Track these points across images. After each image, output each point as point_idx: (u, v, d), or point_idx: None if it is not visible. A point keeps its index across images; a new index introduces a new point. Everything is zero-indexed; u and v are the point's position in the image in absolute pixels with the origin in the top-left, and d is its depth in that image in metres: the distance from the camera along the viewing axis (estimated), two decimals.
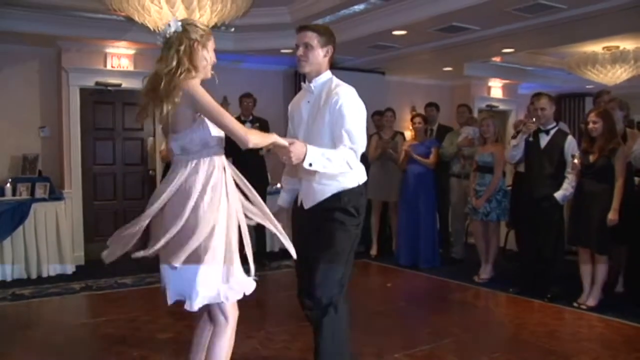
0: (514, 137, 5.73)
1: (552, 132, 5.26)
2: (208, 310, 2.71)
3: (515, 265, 6.00)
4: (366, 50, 7.56)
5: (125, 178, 7.59)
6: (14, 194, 6.38)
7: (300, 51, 3.00)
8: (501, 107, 10.77)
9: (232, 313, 2.67)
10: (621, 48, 7.82)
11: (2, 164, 6.79)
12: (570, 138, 5.21)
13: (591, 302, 4.93)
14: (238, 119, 6.67)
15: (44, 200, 6.37)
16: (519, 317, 4.82)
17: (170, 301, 2.63)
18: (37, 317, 5.03)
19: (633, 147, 5.14)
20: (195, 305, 2.53)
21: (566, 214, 5.38)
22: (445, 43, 7.10)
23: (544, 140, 5.26)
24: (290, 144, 2.64)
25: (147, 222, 2.60)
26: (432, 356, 3.83)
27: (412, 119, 6.92)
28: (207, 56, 2.63)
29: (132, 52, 7.25)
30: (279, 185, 7.39)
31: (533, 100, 5.76)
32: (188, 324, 4.72)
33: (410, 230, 6.74)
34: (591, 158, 4.85)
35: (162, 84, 2.50)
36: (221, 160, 2.66)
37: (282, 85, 8.77)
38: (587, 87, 10.33)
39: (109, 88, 7.21)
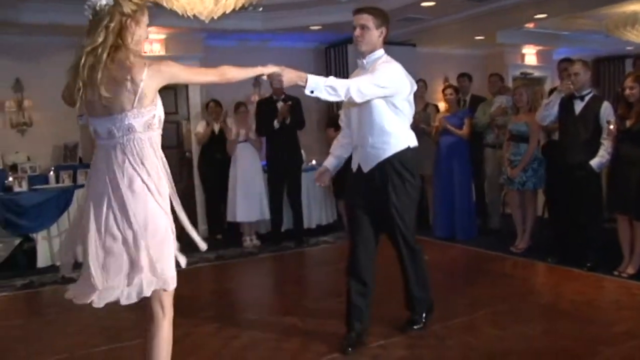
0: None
1: (587, 98, 5.15)
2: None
3: (551, 234, 5.96)
4: (396, 23, 7.47)
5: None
6: (57, 181, 6.61)
7: (357, 32, 3.37)
8: (536, 74, 10.58)
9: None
10: None
11: (45, 153, 7.04)
12: (606, 103, 5.09)
13: (631, 269, 4.88)
14: (270, 98, 6.76)
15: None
16: (556, 286, 4.81)
17: None
18: None
19: None
20: None
21: (604, 181, 5.29)
22: (476, 12, 7.02)
23: (578, 106, 5.16)
24: (282, 69, 2.87)
25: None
26: (470, 327, 3.86)
27: (443, 90, 6.87)
28: (140, 33, 2.48)
29: (162, 36, 7.36)
30: (314, 162, 7.46)
31: (565, 65, 5.67)
32: (229, 301, 4.90)
33: (446, 202, 6.73)
34: (628, 123, 4.76)
35: (85, 62, 2.35)
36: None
37: (313, 63, 8.79)
38: (628, 48, 10.03)
39: None
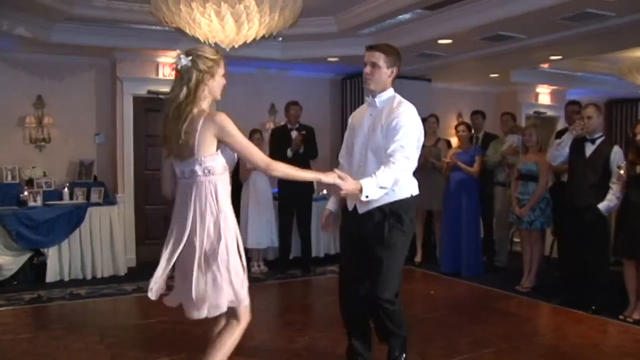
0: (558, 136, 5.76)
1: (598, 141, 5.21)
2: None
3: (558, 275, 5.97)
4: (413, 59, 7.61)
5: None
6: (71, 198, 6.72)
7: (368, 69, 3.28)
8: (549, 113, 10.62)
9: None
10: None
11: (60, 169, 7.15)
12: (616, 148, 5.15)
13: (637, 315, 4.87)
14: (284, 126, 6.85)
15: (98, 204, 6.67)
16: (560, 328, 4.81)
17: None
18: (92, 316, 5.29)
19: None
20: None
21: (612, 225, 5.31)
22: (491, 51, 7.10)
23: (589, 149, 5.22)
24: (343, 178, 2.87)
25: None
26: None
27: (456, 127, 6.95)
28: (213, 84, 2.78)
29: None
30: (325, 191, 7.52)
31: (573, 108, 5.77)
32: None
33: (453, 238, 6.77)
34: (638, 169, 4.80)
35: (171, 112, 2.72)
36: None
37: (329, 93, 8.93)
38: None
39: (161, 96, 7.46)
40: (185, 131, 2.66)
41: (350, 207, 3.37)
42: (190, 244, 2.74)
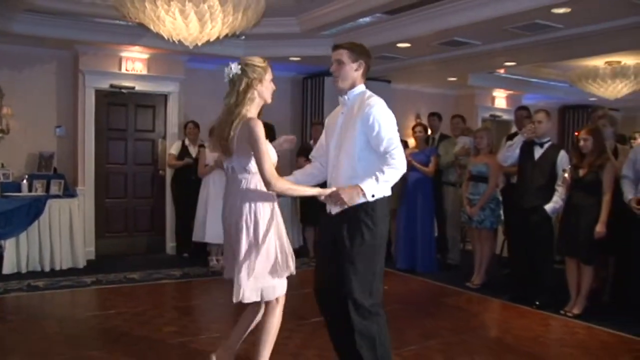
0: (509, 140, 6.04)
1: (546, 145, 5.48)
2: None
3: (507, 273, 6.25)
4: (373, 60, 7.77)
5: (136, 177, 7.87)
6: (30, 190, 6.69)
7: (333, 67, 3.28)
8: (505, 117, 10.96)
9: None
10: (622, 63, 8.01)
11: (19, 161, 7.11)
12: (562, 152, 5.42)
13: (577, 310, 5.15)
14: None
15: (58, 196, 6.67)
16: (506, 322, 5.07)
17: None
18: (50, 308, 5.33)
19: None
20: None
21: (556, 226, 5.59)
22: (448, 55, 7.33)
23: (537, 152, 5.49)
24: (338, 189, 3.05)
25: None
26: (419, 356, 4.07)
27: (413, 128, 7.16)
28: (261, 89, 3.17)
29: (145, 56, 7.54)
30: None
31: (522, 113, 6.05)
32: (193, 318, 5.03)
33: (408, 236, 6.98)
34: (581, 172, 5.09)
35: (227, 114, 3.12)
36: None
37: (290, 92, 9.08)
38: (591, 99, 10.49)
39: (123, 90, 7.50)
40: (231, 132, 3.05)
41: (328, 209, 3.30)
42: (237, 231, 3.10)
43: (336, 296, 3.17)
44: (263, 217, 3.12)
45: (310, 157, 3.64)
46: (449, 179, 7.16)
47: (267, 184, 3.00)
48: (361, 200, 3.04)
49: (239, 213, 3.11)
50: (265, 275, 3.14)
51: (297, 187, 3.17)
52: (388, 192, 3.20)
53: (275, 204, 3.22)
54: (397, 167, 3.08)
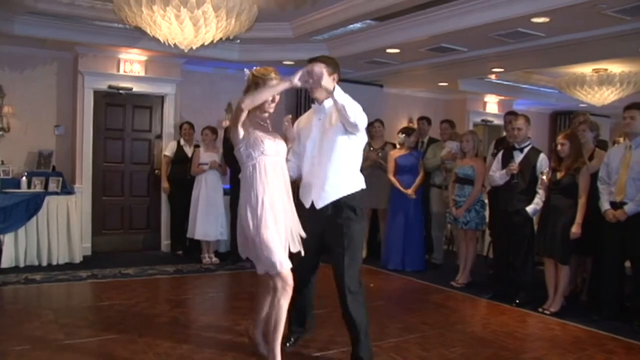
0: (494, 154, 6.24)
1: (525, 150, 5.69)
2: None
3: (492, 273, 6.44)
4: (364, 65, 8.02)
5: (133, 176, 8.07)
6: (29, 186, 6.90)
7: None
8: (496, 122, 11.15)
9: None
10: (609, 71, 8.22)
11: (19, 158, 7.32)
12: (542, 156, 5.62)
13: (554, 308, 5.34)
14: None
15: (56, 193, 6.87)
16: (485, 318, 5.26)
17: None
18: (46, 299, 5.53)
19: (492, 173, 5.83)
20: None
21: (536, 227, 5.79)
22: (438, 61, 7.55)
23: (518, 157, 5.69)
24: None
25: None
26: (398, 348, 4.27)
27: (398, 133, 7.33)
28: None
29: (143, 58, 7.75)
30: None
31: (510, 119, 6.23)
32: (183, 310, 5.22)
33: (398, 236, 7.17)
34: (558, 175, 5.29)
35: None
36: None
37: (284, 94, 9.19)
38: (581, 105, 10.68)
39: (121, 91, 7.71)
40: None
41: (307, 204, 3.66)
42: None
43: (311, 284, 3.89)
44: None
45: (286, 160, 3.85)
46: (434, 181, 7.37)
47: (241, 107, 3.31)
48: (329, 87, 3.32)
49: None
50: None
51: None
52: (363, 185, 3.69)
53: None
54: (358, 113, 3.41)
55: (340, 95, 3.32)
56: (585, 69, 8.24)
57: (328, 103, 3.59)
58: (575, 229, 5.13)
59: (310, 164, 3.69)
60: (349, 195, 3.61)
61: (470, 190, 6.28)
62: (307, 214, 3.65)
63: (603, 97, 8.66)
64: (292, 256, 3.52)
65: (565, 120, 12.37)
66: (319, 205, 3.61)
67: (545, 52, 6.68)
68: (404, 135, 7.13)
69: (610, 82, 8.36)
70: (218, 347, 4.12)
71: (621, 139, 6.52)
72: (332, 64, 3.58)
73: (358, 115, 3.40)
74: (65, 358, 3.81)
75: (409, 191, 6.95)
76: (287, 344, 3.97)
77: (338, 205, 3.60)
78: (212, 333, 4.46)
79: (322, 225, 3.62)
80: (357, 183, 3.69)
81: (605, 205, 5.17)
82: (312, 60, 3.56)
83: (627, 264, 5.25)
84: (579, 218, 5.15)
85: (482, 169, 6.29)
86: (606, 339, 4.66)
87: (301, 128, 3.80)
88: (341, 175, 3.61)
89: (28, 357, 3.79)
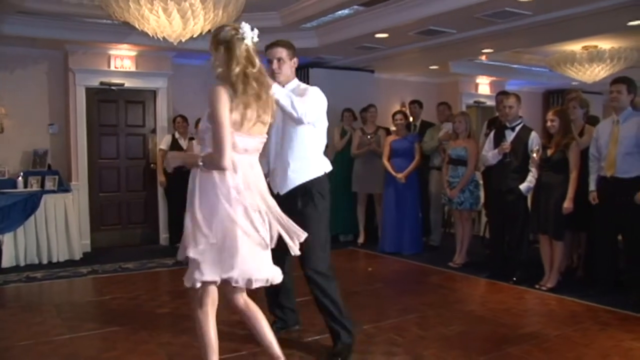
0: (486, 134, 6.28)
1: (517, 128, 5.73)
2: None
3: (489, 253, 6.51)
4: (354, 51, 8.03)
5: (128, 171, 8.10)
6: (25, 186, 6.93)
7: (275, 64, 3.64)
8: (488, 103, 11.15)
9: None
10: (599, 48, 8.24)
11: (14, 158, 7.34)
12: (533, 134, 5.65)
13: (550, 284, 5.41)
14: None
15: (53, 192, 6.91)
16: (482, 297, 5.34)
17: None
18: (48, 296, 5.59)
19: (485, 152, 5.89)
20: None
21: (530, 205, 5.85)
22: (427, 44, 7.55)
23: (509, 136, 5.73)
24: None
25: None
26: (397, 327, 4.33)
27: (393, 116, 7.36)
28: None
29: (133, 53, 7.76)
30: None
31: (501, 98, 6.27)
32: (184, 301, 5.27)
33: (394, 219, 7.22)
34: (549, 152, 5.34)
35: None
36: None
37: None
38: (573, 83, 10.70)
39: (113, 87, 7.73)
40: None
41: (274, 191, 3.62)
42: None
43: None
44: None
45: None
46: (433, 163, 7.42)
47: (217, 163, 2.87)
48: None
49: None
50: None
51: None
52: (328, 168, 3.74)
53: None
54: (300, 104, 3.40)
55: (279, 93, 3.29)
56: (575, 47, 8.25)
57: (288, 87, 3.61)
58: (567, 204, 5.19)
59: (275, 149, 3.71)
60: (313, 180, 3.64)
61: (464, 171, 6.34)
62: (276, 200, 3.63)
63: (594, 74, 8.67)
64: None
65: (557, 98, 12.39)
66: (283, 190, 3.65)
67: (534, 31, 6.68)
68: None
69: (601, 58, 8.37)
70: (219, 335, 4.17)
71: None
72: (291, 48, 3.68)
73: (300, 108, 3.38)
74: (69, 351, 3.87)
75: (400, 175, 7.00)
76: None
77: (303, 189, 3.63)
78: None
79: (288, 210, 3.39)
80: (321, 167, 3.70)
81: (591, 186, 5.23)
82: (273, 44, 3.66)
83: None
84: (570, 193, 5.20)
85: (475, 149, 6.34)
86: (601, 311, 4.73)
87: None
88: (303, 160, 3.63)
89: (33, 351, 3.85)
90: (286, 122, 3.58)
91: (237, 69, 2.80)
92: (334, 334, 3.74)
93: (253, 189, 2.85)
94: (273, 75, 3.55)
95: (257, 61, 2.87)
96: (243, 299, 3.01)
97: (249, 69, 2.82)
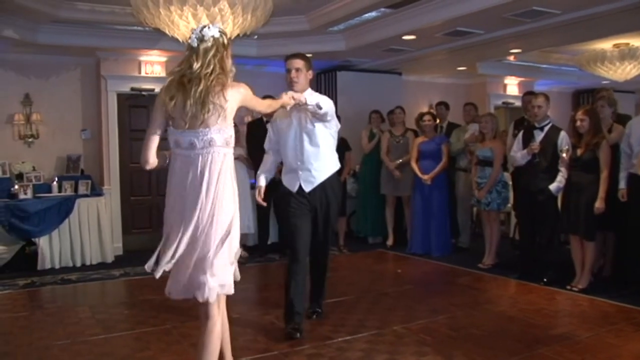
0: (514, 135, 6.24)
1: (546, 128, 5.69)
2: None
3: (519, 254, 6.45)
4: (381, 54, 8.04)
5: (159, 175, 8.20)
6: (59, 190, 7.08)
7: (294, 74, 4.08)
8: (517, 104, 11.00)
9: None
10: (630, 45, 8.12)
11: (49, 163, 7.52)
12: (562, 133, 5.60)
13: (581, 284, 5.36)
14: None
15: (86, 196, 7.05)
16: (512, 298, 5.30)
17: None
18: (82, 297, 5.73)
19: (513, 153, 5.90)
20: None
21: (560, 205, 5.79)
22: (454, 45, 7.53)
23: (539, 136, 5.69)
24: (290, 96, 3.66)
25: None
26: (427, 329, 4.33)
27: (421, 117, 7.36)
28: (230, 63, 2.90)
29: (163, 59, 7.89)
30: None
31: (529, 98, 6.23)
32: None
33: (423, 221, 7.22)
34: (579, 152, 5.29)
35: (201, 84, 2.72)
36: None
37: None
38: (604, 82, 10.54)
39: (143, 93, 7.86)
40: (211, 102, 2.75)
41: (294, 189, 4.21)
42: (212, 219, 2.80)
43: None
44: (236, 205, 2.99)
45: (265, 148, 4.48)
46: (460, 164, 7.39)
47: (264, 111, 3.68)
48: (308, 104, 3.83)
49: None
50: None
51: (275, 101, 3.55)
52: (338, 166, 4.35)
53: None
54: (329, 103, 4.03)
55: (309, 98, 3.86)
56: (606, 45, 8.14)
57: (305, 94, 3.93)
58: (599, 204, 5.13)
59: (293, 151, 4.18)
60: (330, 177, 4.24)
61: (491, 172, 6.31)
62: (296, 197, 4.21)
63: (625, 72, 8.55)
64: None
65: (587, 98, 12.20)
66: (308, 189, 4.18)
67: (563, 30, 6.62)
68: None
69: (632, 56, 8.25)
70: (250, 335, 4.24)
71: None
72: (308, 61, 4.16)
73: (325, 106, 3.93)
74: (105, 350, 3.96)
75: (425, 177, 6.98)
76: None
77: (323, 187, 4.20)
78: (244, 322, 4.57)
79: (313, 202, 4.20)
80: (335, 165, 4.31)
81: (621, 184, 5.17)
82: (292, 56, 4.12)
83: None
84: (602, 192, 5.15)
85: (501, 150, 6.32)
86: (635, 312, 4.67)
87: (279, 122, 4.24)
88: (326, 159, 4.21)
89: (69, 350, 3.95)
90: (303, 125, 4.07)
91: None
92: (319, 298, 4.58)
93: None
94: (291, 83, 4.05)
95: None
96: None
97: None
